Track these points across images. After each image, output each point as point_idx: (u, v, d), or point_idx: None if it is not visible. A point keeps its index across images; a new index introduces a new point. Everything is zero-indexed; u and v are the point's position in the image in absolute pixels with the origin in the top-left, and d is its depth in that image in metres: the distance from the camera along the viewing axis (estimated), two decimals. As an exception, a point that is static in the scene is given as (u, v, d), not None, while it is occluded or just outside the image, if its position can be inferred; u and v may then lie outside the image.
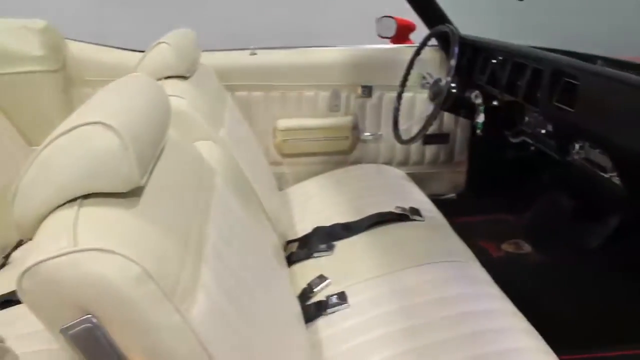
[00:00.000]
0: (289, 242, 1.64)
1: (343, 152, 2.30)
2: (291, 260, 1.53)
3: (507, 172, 2.26)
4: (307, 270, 1.46)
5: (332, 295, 1.31)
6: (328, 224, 1.64)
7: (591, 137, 1.39)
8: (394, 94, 2.12)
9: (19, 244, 1.57)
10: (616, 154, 1.30)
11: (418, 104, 2.22)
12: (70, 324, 0.62)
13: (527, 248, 2.13)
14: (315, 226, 1.64)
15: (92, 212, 0.68)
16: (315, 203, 1.86)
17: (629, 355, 1.57)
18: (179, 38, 1.61)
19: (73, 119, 0.72)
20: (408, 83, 2.07)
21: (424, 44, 2.03)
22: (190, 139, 1.18)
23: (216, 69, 1.94)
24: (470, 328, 1.16)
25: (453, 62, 1.75)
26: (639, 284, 1.75)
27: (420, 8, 2.10)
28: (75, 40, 2.01)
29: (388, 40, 2.35)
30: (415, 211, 1.67)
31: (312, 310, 1.29)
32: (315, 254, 1.52)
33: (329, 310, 1.27)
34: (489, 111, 1.79)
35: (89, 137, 0.70)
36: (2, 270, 1.48)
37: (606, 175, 1.36)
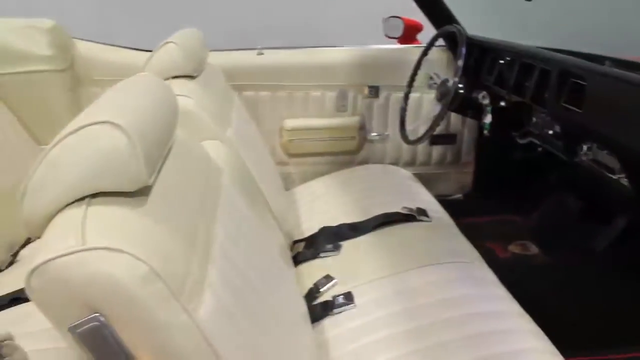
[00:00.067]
0: (296, 242, 1.65)
1: (350, 152, 2.30)
2: (297, 260, 1.54)
3: (514, 172, 2.26)
4: (313, 270, 1.46)
5: (338, 296, 1.31)
6: (334, 224, 1.64)
7: (599, 138, 1.38)
8: (401, 94, 2.12)
9: (27, 242, 1.58)
10: (624, 155, 1.30)
11: (425, 104, 2.22)
12: (78, 322, 0.62)
13: (534, 249, 2.12)
14: (322, 226, 1.64)
15: (100, 211, 0.69)
16: (322, 203, 1.86)
17: (636, 357, 1.56)
18: (186, 38, 1.61)
19: (81, 119, 0.73)
20: (415, 83, 2.07)
21: (431, 44, 2.03)
22: (197, 139, 1.18)
23: (223, 69, 1.95)
24: (476, 329, 1.16)
25: (460, 63, 1.74)
26: None
27: (428, 8, 2.09)
28: (83, 39, 2.02)
29: (395, 40, 2.35)
30: (422, 212, 1.66)
31: (319, 310, 1.29)
32: (322, 254, 1.52)
33: (335, 311, 1.27)
34: (496, 112, 1.79)
35: (97, 136, 0.70)
36: (10, 268, 1.49)
37: (614, 177, 1.36)
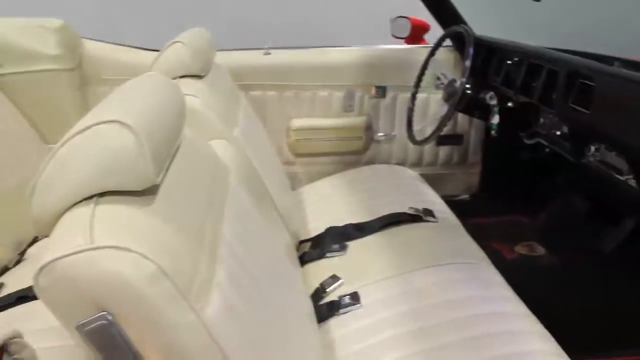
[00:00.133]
0: (302, 241, 1.65)
1: (356, 152, 2.30)
2: (304, 260, 1.53)
3: (521, 173, 2.25)
4: (319, 270, 1.46)
5: (344, 296, 1.31)
6: (341, 224, 1.64)
7: (607, 139, 1.38)
8: (408, 95, 2.11)
9: (35, 240, 1.59)
10: (633, 156, 1.29)
11: (432, 104, 2.21)
12: (85, 320, 0.63)
13: (540, 250, 2.11)
14: (328, 226, 1.64)
15: (108, 210, 0.69)
16: (328, 203, 1.86)
17: None
18: (194, 37, 1.61)
19: (89, 118, 0.73)
20: (422, 84, 2.06)
21: (438, 44, 2.03)
22: (204, 138, 1.18)
23: (230, 69, 1.95)
24: (482, 330, 1.15)
25: (468, 63, 1.74)
26: None
27: (435, 8, 2.09)
28: (91, 39, 2.03)
29: (402, 40, 2.34)
30: (428, 212, 1.66)
31: (325, 310, 1.29)
32: (328, 254, 1.52)
33: (341, 311, 1.27)
34: (503, 112, 1.78)
35: (105, 135, 0.71)
36: (17, 266, 1.50)
37: (622, 178, 1.35)
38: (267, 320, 0.90)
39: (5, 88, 1.81)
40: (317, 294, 1.36)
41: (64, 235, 0.66)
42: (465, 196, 2.43)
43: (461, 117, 2.29)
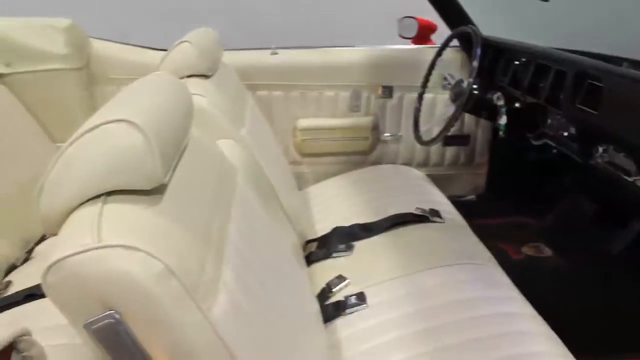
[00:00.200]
0: (308, 241, 1.65)
1: (363, 152, 2.30)
2: (310, 259, 1.54)
3: (528, 174, 2.24)
4: (326, 270, 1.46)
5: (351, 296, 1.31)
6: (347, 224, 1.64)
7: (615, 140, 1.37)
8: (415, 95, 2.11)
9: (42, 238, 1.60)
10: (641, 157, 1.29)
11: (439, 105, 2.21)
12: (93, 319, 0.63)
13: (547, 251, 2.10)
14: (335, 226, 1.64)
15: (116, 209, 0.69)
16: (335, 203, 1.86)
17: None
18: (201, 37, 1.62)
19: (97, 117, 0.73)
20: (429, 84, 2.06)
21: (445, 44, 2.02)
22: (211, 138, 1.19)
23: (237, 68, 1.95)
24: (488, 331, 1.15)
25: (475, 64, 1.73)
26: None
27: (442, 8, 2.09)
28: (99, 38, 2.04)
29: (409, 40, 2.34)
30: (435, 212, 1.66)
31: (331, 310, 1.29)
32: (335, 254, 1.52)
33: (347, 311, 1.27)
34: (511, 113, 1.78)
35: (113, 134, 0.71)
36: (25, 264, 1.51)
37: (630, 179, 1.34)
38: (273, 319, 0.90)
39: (13, 87, 1.82)
40: (324, 294, 1.36)
41: (72, 234, 0.66)
42: (472, 197, 2.42)
43: (468, 118, 2.28)
